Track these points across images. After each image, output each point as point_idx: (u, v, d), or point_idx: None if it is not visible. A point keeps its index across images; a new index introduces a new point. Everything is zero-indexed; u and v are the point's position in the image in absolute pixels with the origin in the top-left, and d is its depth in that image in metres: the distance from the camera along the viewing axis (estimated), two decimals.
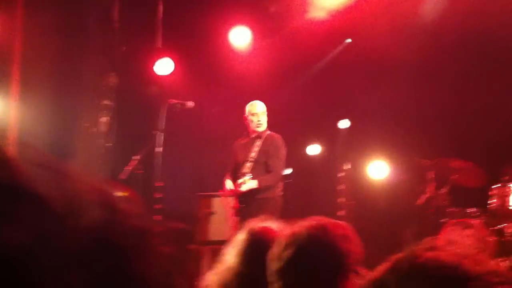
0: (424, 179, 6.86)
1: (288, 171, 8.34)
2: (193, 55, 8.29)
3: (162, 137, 6.01)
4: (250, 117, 5.98)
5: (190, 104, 6.30)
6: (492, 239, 5.97)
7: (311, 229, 1.89)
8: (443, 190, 6.62)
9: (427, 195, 6.72)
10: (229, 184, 5.95)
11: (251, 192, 5.73)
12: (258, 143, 5.89)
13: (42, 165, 0.64)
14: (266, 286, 1.95)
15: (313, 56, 8.72)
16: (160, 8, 8.32)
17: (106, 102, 7.72)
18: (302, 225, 1.94)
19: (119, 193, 0.67)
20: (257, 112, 5.98)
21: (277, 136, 6.03)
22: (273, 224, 2.36)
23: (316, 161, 8.56)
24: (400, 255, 1.04)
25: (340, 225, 1.96)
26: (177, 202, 6.94)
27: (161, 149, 5.97)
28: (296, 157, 8.52)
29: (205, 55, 8.40)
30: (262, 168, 5.85)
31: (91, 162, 7.50)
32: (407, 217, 7.20)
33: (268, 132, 6.04)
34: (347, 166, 7.44)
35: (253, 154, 5.84)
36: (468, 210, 6.39)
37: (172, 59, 7.99)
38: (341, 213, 7.16)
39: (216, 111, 8.57)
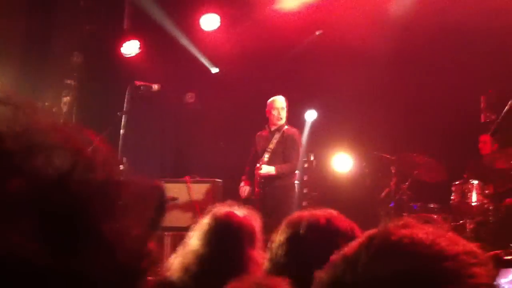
0: (386, 173, 6.93)
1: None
2: (160, 38, 8.15)
3: (125, 119, 5.86)
4: (272, 111, 6.47)
5: (156, 87, 6.16)
6: (451, 234, 6.10)
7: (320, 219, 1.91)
8: (405, 185, 6.70)
9: (389, 189, 6.78)
10: (245, 190, 6.53)
11: (268, 179, 6.27)
12: (277, 135, 6.40)
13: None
14: (227, 271, 1.92)
15: (282, 46, 8.68)
16: None
17: (69, 81, 7.52)
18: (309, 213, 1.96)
19: (88, 140, 0.62)
20: (277, 107, 6.46)
21: (295, 130, 6.57)
22: (237, 210, 2.34)
23: None
24: (373, 231, 1.00)
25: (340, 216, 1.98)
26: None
27: (123, 131, 5.83)
28: None
29: (172, 37, 8.25)
30: (279, 158, 6.36)
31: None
32: (369, 211, 7.26)
33: (287, 126, 6.52)
34: (311, 158, 7.46)
35: (271, 145, 6.36)
36: (429, 205, 6.49)
37: (139, 41, 7.84)
38: (304, 203, 7.18)
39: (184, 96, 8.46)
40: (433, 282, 0.92)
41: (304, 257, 1.78)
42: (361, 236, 1.01)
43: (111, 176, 0.61)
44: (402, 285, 0.91)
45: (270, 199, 6.25)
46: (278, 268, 1.84)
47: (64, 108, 7.47)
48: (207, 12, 8.24)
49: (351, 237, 1.83)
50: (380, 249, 0.95)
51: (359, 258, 0.94)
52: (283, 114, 6.51)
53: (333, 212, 1.97)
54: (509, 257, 4.79)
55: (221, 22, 8.30)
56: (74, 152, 0.58)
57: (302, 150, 6.93)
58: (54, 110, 7.41)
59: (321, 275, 0.98)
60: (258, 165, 6.38)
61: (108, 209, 0.58)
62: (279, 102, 6.53)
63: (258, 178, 6.35)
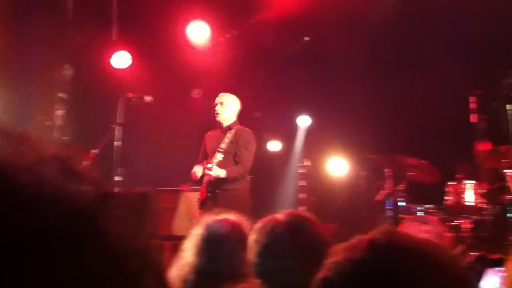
0: (382, 176, 6.97)
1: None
2: (150, 49, 8.15)
3: (120, 131, 5.87)
4: (215, 107, 6.14)
5: (148, 98, 6.18)
6: (449, 234, 6.13)
7: (289, 217, 1.96)
8: (400, 187, 6.73)
9: (385, 192, 6.82)
10: (198, 169, 6.00)
11: (218, 183, 5.83)
12: (229, 135, 6.00)
13: None
14: (224, 279, 1.98)
15: (272, 52, 8.72)
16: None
17: (61, 94, 7.50)
18: (279, 214, 2.01)
19: (77, 158, 0.65)
20: (216, 102, 6.13)
21: (248, 130, 6.18)
22: (229, 217, 2.40)
23: (277, 157, 8.57)
24: (374, 233, 1.03)
25: (310, 216, 2.04)
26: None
27: (119, 143, 5.83)
28: (256, 153, 8.51)
29: (162, 48, 8.26)
30: (231, 159, 5.96)
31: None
32: (365, 213, 7.29)
33: (239, 126, 6.17)
34: (307, 163, 7.48)
35: (223, 145, 5.94)
36: (425, 206, 6.53)
37: (129, 52, 7.83)
38: (302, 208, 7.19)
39: (176, 105, 8.44)
40: (436, 281, 0.94)
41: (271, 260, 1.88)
42: (362, 239, 1.03)
43: (100, 187, 0.63)
44: (410, 283, 0.94)
45: (221, 203, 5.71)
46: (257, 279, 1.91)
47: (58, 121, 7.45)
48: (194, 20, 8.24)
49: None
50: (387, 248, 0.98)
51: (366, 259, 0.97)
52: (220, 109, 6.07)
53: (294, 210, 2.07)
54: (495, 257, 4.85)
55: (209, 31, 8.31)
56: (66, 170, 0.61)
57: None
58: (47, 123, 7.39)
59: (324, 275, 0.99)
60: (209, 165, 5.89)
61: (103, 217, 0.60)
62: (219, 97, 6.18)
63: (207, 179, 5.88)
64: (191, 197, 6.21)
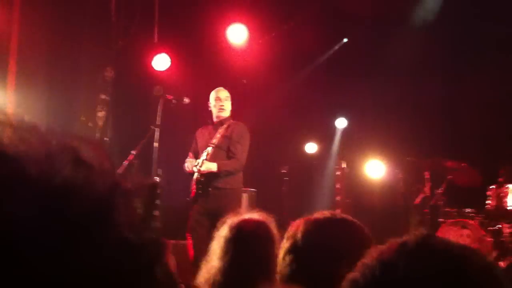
0: (420, 179, 6.87)
1: (284, 169, 8.35)
2: (189, 51, 8.27)
3: (158, 133, 5.96)
4: (214, 103, 5.84)
5: (186, 100, 6.23)
6: (489, 239, 6.01)
7: (324, 218, 1.91)
8: (439, 190, 6.63)
9: (423, 195, 6.72)
10: (189, 162, 5.70)
11: (209, 179, 5.49)
12: (221, 130, 5.70)
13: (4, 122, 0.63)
14: (252, 280, 1.99)
15: (310, 54, 8.73)
16: (157, 2, 8.30)
17: (103, 96, 7.69)
18: (314, 215, 1.95)
19: (89, 149, 0.66)
20: (220, 97, 5.82)
21: (241, 124, 5.88)
22: (250, 215, 2.39)
23: (314, 159, 8.56)
24: (408, 236, 1.03)
25: (347, 217, 1.98)
26: (174, 197, 6.92)
27: (157, 144, 5.93)
28: (294, 155, 8.53)
29: (201, 51, 8.37)
30: (223, 154, 5.64)
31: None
32: (403, 217, 7.21)
33: (232, 120, 5.88)
34: (343, 165, 7.44)
35: (214, 140, 5.65)
36: (465, 210, 6.41)
37: (169, 54, 7.96)
38: (338, 211, 7.16)
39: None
40: (469, 283, 0.94)
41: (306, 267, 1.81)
42: (394, 241, 1.04)
43: (111, 177, 0.64)
44: (441, 285, 0.93)
45: (212, 201, 5.43)
46: (285, 279, 1.85)
47: (100, 123, 7.63)
48: (233, 22, 8.32)
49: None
50: (418, 252, 0.97)
51: (398, 260, 0.96)
52: (227, 105, 5.82)
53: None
54: None
55: (248, 33, 8.37)
56: (74, 159, 0.62)
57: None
58: (89, 124, 7.58)
59: (353, 276, 0.99)
60: (198, 161, 5.56)
61: (114, 209, 0.62)
62: (222, 92, 5.88)
63: (198, 176, 5.54)
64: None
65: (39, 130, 0.66)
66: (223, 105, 5.78)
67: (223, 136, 5.66)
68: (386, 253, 0.99)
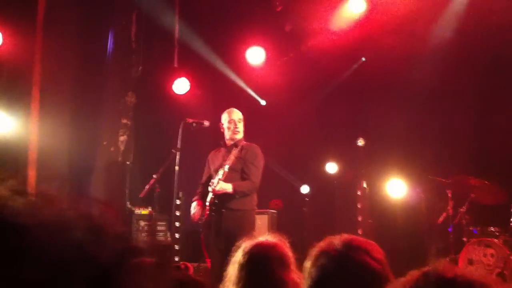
0: (443, 198, 6.80)
1: (305, 189, 8.34)
2: (209, 74, 8.38)
3: (179, 156, 6.00)
4: (227, 125, 5.77)
5: (206, 123, 6.25)
6: None
7: (345, 246, 1.87)
8: (462, 209, 6.56)
9: (446, 214, 6.65)
10: (198, 212, 5.63)
11: (223, 201, 5.45)
12: (235, 151, 5.62)
13: (21, 193, 0.65)
14: None
15: (328, 75, 8.76)
16: (177, 28, 8.44)
17: (124, 121, 7.81)
18: (335, 239, 1.92)
19: (104, 212, 0.68)
20: (234, 119, 5.74)
21: (255, 146, 5.80)
22: (265, 238, 2.39)
23: (335, 179, 8.54)
24: (425, 269, 1.04)
25: (369, 242, 1.94)
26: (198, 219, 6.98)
27: (177, 167, 5.97)
28: (315, 174, 8.52)
29: (220, 74, 8.47)
30: (237, 176, 5.57)
31: (110, 180, 7.56)
32: (426, 236, 7.13)
33: (245, 142, 5.80)
34: (364, 185, 7.40)
35: (228, 162, 5.56)
36: (489, 229, 6.33)
37: (189, 78, 8.07)
38: (359, 231, 7.12)
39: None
40: None
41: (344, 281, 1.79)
42: (412, 273, 1.05)
43: (125, 244, 0.67)
44: None
45: (226, 223, 5.39)
46: None
47: (122, 147, 7.75)
48: (252, 45, 8.43)
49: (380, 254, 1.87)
50: (438, 285, 1.00)
51: None
52: (241, 127, 5.75)
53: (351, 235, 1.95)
54: None
55: (266, 55, 8.46)
56: (94, 229, 0.64)
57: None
58: (111, 149, 7.70)
59: None
60: (213, 180, 5.49)
61: (128, 272, 0.64)
62: (236, 113, 5.78)
63: (212, 197, 5.49)
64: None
65: (56, 199, 0.67)
66: (237, 128, 5.72)
67: (237, 158, 5.59)
68: (407, 284, 1.02)
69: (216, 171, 5.60)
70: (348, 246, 1.85)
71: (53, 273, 0.59)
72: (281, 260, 2.28)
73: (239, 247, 2.38)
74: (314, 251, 1.90)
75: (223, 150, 5.79)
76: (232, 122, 5.73)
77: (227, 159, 5.60)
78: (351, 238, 1.90)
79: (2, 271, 0.57)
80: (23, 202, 0.64)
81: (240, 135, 5.74)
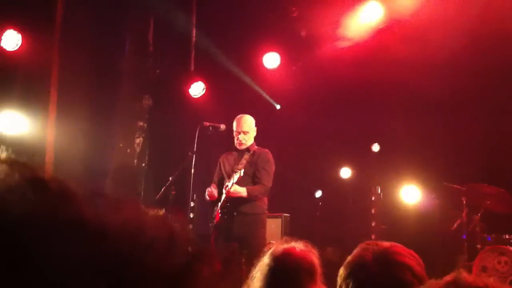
0: (457, 205, 6.79)
1: (318, 194, 8.35)
2: (225, 78, 8.43)
3: (194, 159, 6.04)
4: (234, 133, 5.88)
5: (222, 127, 6.30)
6: None
7: (385, 255, 1.78)
8: (477, 216, 6.54)
9: (460, 221, 6.64)
10: (213, 191, 5.72)
11: (234, 204, 5.52)
12: (247, 156, 5.72)
13: (99, 195, 0.66)
14: None
15: (343, 80, 8.77)
16: (193, 32, 8.51)
17: (140, 123, 7.88)
18: (373, 247, 1.84)
19: (172, 219, 0.70)
20: (238, 131, 5.84)
21: (266, 151, 5.88)
22: (295, 246, 2.35)
23: (348, 184, 8.55)
24: (449, 277, 1.07)
25: (411, 254, 1.84)
26: (208, 223, 7.02)
27: (193, 170, 6.01)
28: (328, 180, 8.53)
29: (236, 78, 8.51)
30: (249, 180, 5.65)
31: (126, 182, 7.62)
32: (440, 243, 7.12)
33: (257, 147, 5.89)
34: (378, 190, 7.39)
35: (240, 166, 5.62)
36: (503, 236, 6.32)
37: (205, 82, 8.13)
38: (373, 237, 7.12)
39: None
40: None
41: None
42: (438, 282, 1.08)
43: (199, 249, 0.68)
44: None
45: (237, 227, 5.46)
46: None
47: (137, 149, 7.81)
48: (267, 50, 8.47)
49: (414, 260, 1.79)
50: None
51: None
52: (244, 138, 5.79)
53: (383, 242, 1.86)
54: None
55: (281, 60, 8.50)
56: (169, 235, 0.65)
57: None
58: (128, 151, 7.76)
59: None
60: (228, 183, 5.55)
61: (201, 278, 0.65)
62: (241, 124, 5.84)
63: (224, 200, 5.58)
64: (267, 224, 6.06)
65: (136, 204, 0.69)
66: (239, 140, 5.79)
67: (249, 163, 5.68)
68: None
69: (228, 174, 5.70)
70: (389, 261, 1.75)
71: (127, 273, 0.60)
72: (311, 273, 2.25)
73: (266, 251, 2.36)
74: (351, 260, 1.82)
75: (235, 153, 5.87)
76: (236, 134, 5.84)
77: (239, 163, 5.68)
78: (392, 251, 1.78)
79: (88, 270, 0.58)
80: (103, 203, 0.66)
81: (244, 147, 5.81)
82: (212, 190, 5.73)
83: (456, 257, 6.62)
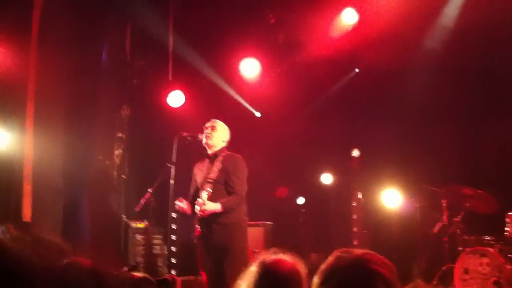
0: (438, 207, 6.83)
1: (301, 200, 8.35)
2: (203, 87, 8.41)
3: (174, 170, 5.99)
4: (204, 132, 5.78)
5: (201, 136, 6.23)
6: (509, 267, 5.94)
7: (357, 262, 1.78)
8: (457, 218, 6.58)
9: (441, 223, 6.68)
10: (183, 206, 5.56)
11: (212, 216, 5.38)
12: (218, 163, 5.61)
13: (39, 244, 0.66)
14: None
15: (322, 86, 8.81)
16: (171, 41, 8.47)
17: (119, 134, 7.81)
18: (341, 255, 1.83)
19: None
20: (206, 126, 5.77)
21: (237, 156, 5.72)
22: (285, 256, 2.34)
23: (330, 190, 8.56)
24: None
25: (377, 256, 1.84)
26: (190, 233, 6.97)
27: (173, 181, 5.96)
28: (309, 186, 8.54)
29: (215, 87, 8.50)
30: (222, 188, 5.55)
31: (106, 194, 7.56)
32: (422, 246, 7.15)
33: (227, 152, 5.75)
34: (359, 195, 7.42)
35: (212, 175, 5.55)
36: (484, 238, 6.36)
37: (183, 91, 8.09)
38: (355, 242, 7.13)
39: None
40: None
41: None
42: None
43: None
44: None
45: (217, 238, 5.39)
46: None
47: (117, 161, 7.74)
48: (246, 57, 8.46)
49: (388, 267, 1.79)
50: None
51: None
52: (210, 133, 5.67)
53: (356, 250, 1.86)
54: None
55: (260, 67, 8.50)
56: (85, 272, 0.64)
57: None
58: (107, 162, 7.69)
59: None
60: (200, 200, 5.43)
61: None
62: (211, 121, 5.83)
63: (200, 215, 5.42)
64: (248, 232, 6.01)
65: (58, 245, 0.68)
66: (207, 135, 5.68)
67: (220, 170, 5.56)
68: None
69: (202, 184, 5.59)
70: (361, 269, 1.75)
71: None
72: (298, 284, 2.24)
73: (252, 261, 2.33)
74: (324, 268, 1.81)
75: (206, 161, 5.75)
76: (204, 129, 5.75)
77: (210, 171, 5.58)
78: (364, 258, 1.79)
79: None
80: (21, 250, 0.64)
81: (209, 141, 5.68)
82: (182, 205, 5.57)
83: (438, 260, 6.64)
